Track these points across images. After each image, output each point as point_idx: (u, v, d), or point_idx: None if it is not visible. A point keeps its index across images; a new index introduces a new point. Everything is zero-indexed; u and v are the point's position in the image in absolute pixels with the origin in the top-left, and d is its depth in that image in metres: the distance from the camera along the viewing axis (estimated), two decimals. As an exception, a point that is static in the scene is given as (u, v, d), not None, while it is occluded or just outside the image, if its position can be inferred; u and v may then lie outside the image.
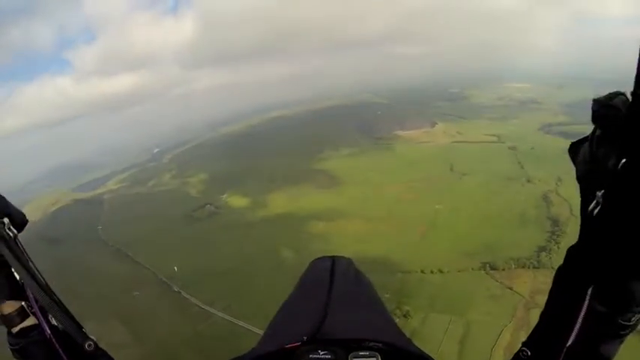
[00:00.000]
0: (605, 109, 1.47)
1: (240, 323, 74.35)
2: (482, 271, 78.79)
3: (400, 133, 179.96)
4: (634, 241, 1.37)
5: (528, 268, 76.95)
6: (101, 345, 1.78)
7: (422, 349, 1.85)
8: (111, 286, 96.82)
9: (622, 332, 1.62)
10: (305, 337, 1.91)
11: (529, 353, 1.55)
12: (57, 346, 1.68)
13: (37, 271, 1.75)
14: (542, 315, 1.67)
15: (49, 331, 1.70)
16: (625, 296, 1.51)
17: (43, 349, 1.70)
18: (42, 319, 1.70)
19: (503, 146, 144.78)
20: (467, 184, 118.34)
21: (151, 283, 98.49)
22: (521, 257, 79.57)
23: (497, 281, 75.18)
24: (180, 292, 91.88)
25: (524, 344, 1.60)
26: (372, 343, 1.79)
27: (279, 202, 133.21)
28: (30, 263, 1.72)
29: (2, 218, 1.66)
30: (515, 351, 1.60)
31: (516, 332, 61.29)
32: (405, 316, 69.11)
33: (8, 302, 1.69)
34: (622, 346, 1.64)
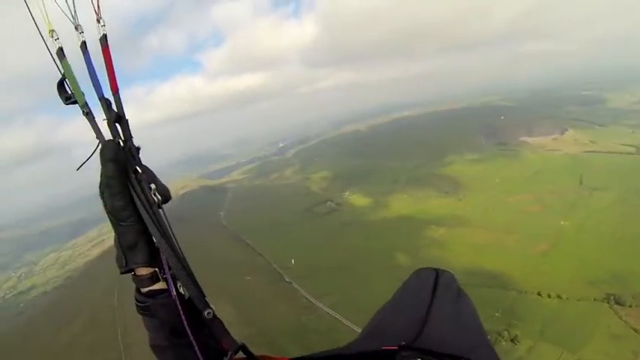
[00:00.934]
0: None
1: (344, 321, 76.36)
2: (606, 304, 70.56)
3: (527, 139, 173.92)
4: None
5: None
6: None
7: None
8: (225, 268, 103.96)
9: None
10: (403, 342, 2.03)
11: None
12: (180, 310, 1.89)
13: (175, 239, 1.98)
14: None
15: (175, 295, 1.92)
16: None
17: (166, 311, 1.95)
18: (172, 285, 1.93)
19: None
20: (598, 201, 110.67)
21: (264, 271, 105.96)
22: None
23: (621, 319, 66.46)
24: (291, 283, 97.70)
25: None
26: None
27: (401, 203, 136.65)
28: (170, 231, 1.97)
29: (150, 184, 1.96)
30: None
31: (635, 381, 56.05)
32: (512, 340, 66.35)
33: (144, 267, 1.96)
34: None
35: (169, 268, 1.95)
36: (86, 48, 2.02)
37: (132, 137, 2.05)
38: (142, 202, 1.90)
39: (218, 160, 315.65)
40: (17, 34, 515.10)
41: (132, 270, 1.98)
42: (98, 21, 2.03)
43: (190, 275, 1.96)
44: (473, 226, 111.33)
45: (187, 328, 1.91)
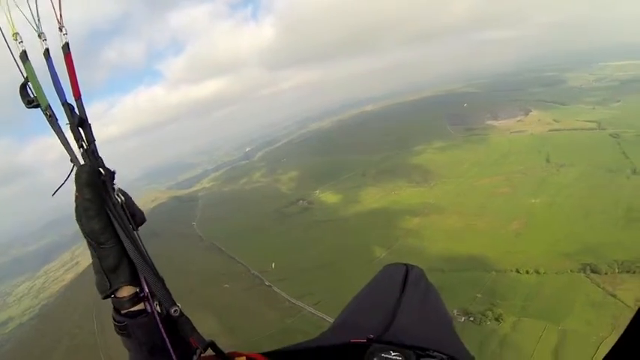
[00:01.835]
0: None
1: (329, 319, 73.93)
2: (582, 274, 72.65)
3: (493, 122, 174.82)
4: None
5: (634, 272, 68.91)
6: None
7: None
8: (204, 278, 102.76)
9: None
10: (372, 336, 2.11)
11: None
12: (162, 331, 1.90)
13: (149, 258, 1.97)
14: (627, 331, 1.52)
15: (157, 318, 1.92)
16: None
17: (144, 330, 1.93)
18: (152, 306, 1.93)
19: (604, 133, 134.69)
20: (565, 177, 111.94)
21: (243, 277, 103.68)
22: (626, 260, 71.50)
23: (598, 286, 68.70)
24: (271, 287, 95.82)
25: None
26: (436, 354, 1.95)
27: (372, 197, 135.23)
28: (145, 251, 1.96)
29: (128, 207, 1.99)
30: None
31: (617, 345, 57.35)
32: (496, 319, 67.09)
33: (126, 287, 1.93)
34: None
35: (148, 286, 1.96)
36: (49, 55, 2.06)
37: (94, 140, 2.06)
38: (120, 225, 1.90)
39: (185, 169, 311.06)
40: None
41: (115, 291, 1.96)
42: (60, 29, 2.08)
43: (158, 277, 1.96)
44: (446, 212, 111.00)
45: (167, 342, 1.93)
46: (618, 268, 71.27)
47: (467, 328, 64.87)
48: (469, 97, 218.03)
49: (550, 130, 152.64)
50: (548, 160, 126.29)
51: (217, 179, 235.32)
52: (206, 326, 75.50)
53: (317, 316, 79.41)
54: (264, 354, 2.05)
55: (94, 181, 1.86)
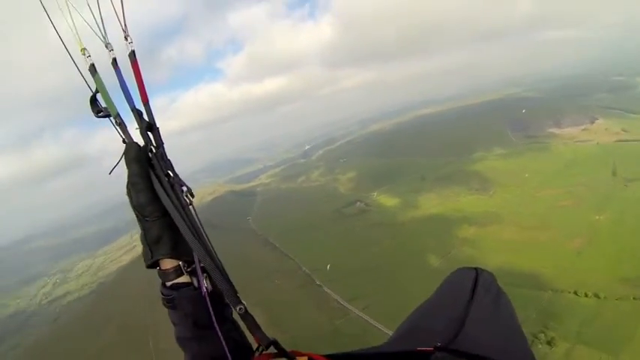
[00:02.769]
0: None
1: (377, 325, 75.61)
2: None
3: (556, 130, 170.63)
4: None
5: None
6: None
7: None
8: (255, 272, 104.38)
9: None
10: (439, 344, 2.06)
11: None
12: (208, 304, 2.02)
13: (207, 236, 2.13)
14: None
15: (204, 290, 2.05)
16: None
17: (189, 303, 2.07)
18: (201, 278, 2.06)
19: None
20: (633, 193, 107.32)
21: (294, 275, 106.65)
22: None
23: None
24: (321, 286, 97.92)
25: None
26: None
27: (430, 202, 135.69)
28: (201, 228, 2.12)
29: (182, 186, 2.14)
30: None
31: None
32: (548, 343, 64.17)
33: (168, 260, 2.08)
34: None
35: (199, 262, 2.06)
36: (117, 64, 2.23)
37: (163, 143, 2.23)
38: (168, 196, 2.03)
39: (245, 164, 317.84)
40: (42, 53, 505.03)
41: (157, 262, 2.11)
42: (126, 38, 2.23)
43: (222, 271, 2.06)
44: (505, 222, 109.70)
45: (214, 318, 2.01)
46: (686, 298, 66.53)
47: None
48: (531, 102, 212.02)
49: (618, 141, 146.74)
50: (614, 174, 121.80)
51: (276, 175, 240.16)
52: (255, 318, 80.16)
53: (365, 320, 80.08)
54: (327, 356, 2.14)
55: (141, 157, 2.07)
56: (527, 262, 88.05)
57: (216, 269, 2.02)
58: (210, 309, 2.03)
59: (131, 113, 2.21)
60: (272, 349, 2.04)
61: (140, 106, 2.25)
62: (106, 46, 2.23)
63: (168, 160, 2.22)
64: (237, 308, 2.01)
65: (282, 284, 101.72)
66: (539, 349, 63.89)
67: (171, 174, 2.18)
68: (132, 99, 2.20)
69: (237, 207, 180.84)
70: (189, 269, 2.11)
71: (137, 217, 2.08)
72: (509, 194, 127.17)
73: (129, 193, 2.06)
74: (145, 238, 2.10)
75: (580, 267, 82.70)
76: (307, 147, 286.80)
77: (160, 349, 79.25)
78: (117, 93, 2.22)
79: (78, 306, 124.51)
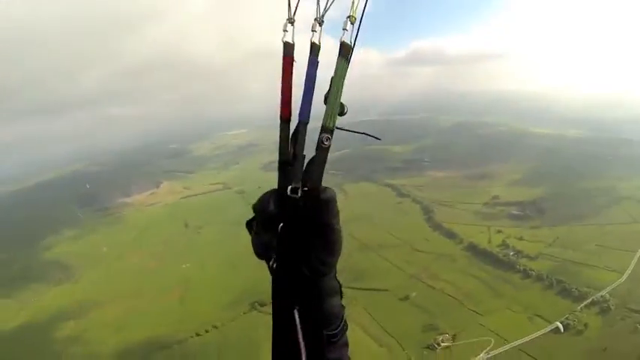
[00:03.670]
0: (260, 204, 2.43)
1: None
2: (255, 311, 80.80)
3: (126, 199, 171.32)
4: (302, 278, 2.34)
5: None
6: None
7: None
8: None
9: (333, 340, 2.52)
10: None
11: None
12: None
13: None
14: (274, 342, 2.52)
15: None
16: (323, 313, 2.49)
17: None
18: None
19: (231, 192, 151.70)
20: (205, 237, 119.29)
21: None
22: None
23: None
24: None
25: None
26: None
27: (10, 312, 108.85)
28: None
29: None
30: None
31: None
32: None
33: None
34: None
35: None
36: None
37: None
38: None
39: None
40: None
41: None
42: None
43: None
44: (102, 304, 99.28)
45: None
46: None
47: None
48: (96, 176, 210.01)
49: (183, 197, 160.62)
50: (187, 225, 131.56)
51: None
52: None
53: None
54: None
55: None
56: (140, 331, 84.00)
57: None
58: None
59: None
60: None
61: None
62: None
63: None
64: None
65: None
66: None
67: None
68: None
69: None
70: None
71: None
72: (94, 274, 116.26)
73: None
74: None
75: (189, 313, 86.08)
76: None
77: None
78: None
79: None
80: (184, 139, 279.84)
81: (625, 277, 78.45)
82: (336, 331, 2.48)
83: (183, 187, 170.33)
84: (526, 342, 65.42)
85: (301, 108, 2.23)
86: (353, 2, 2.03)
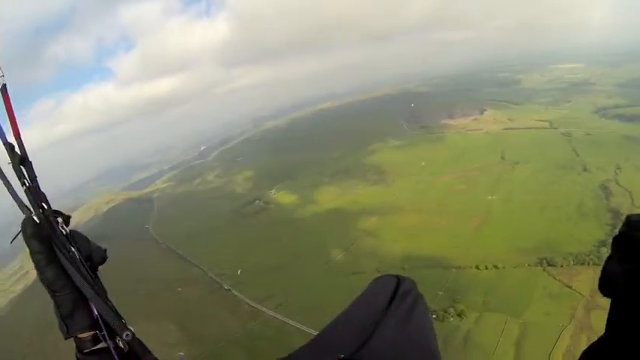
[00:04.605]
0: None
1: (291, 322, 73.80)
2: (540, 268, 74.78)
3: (449, 121, 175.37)
4: None
5: (588, 264, 71.23)
6: (151, 343, 1.98)
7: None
8: (162, 284, 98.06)
9: None
10: (342, 355, 1.95)
11: None
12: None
13: (104, 291, 2.03)
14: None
15: (116, 358, 1.91)
16: None
17: None
18: (111, 346, 1.92)
19: (556, 132, 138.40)
20: (519, 174, 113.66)
21: (201, 282, 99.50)
22: (580, 253, 74.35)
23: (555, 279, 70.92)
24: (230, 290, 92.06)
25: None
26: None
27: (329, 196, 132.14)
28: (104, 293, 2.00)
29: (56, 218, 2.01)
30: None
31: (576, 335, 57.94)
32: (459, 315, 67.51)
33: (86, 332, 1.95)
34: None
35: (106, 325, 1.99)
36: None
37: (36, 177, 2.11)
38: (78, 271, 1.98)
39: (139, 169, 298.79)
40: None
41: (75, 336, 2.02)
42: None
43: (111, 306, 2.05)
44: (404, 211, 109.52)
45: None
46: (573, 261, 73.49)
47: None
48: (425, 96, 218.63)
49: (505, 129, 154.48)
50: (503, 158, 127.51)
51: (172, 179, 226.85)
52: (168, 336, 72.27)
53: (278, 320, 76.90)
54: None
55: (39, 233, 1.95)
56: (429, 245, 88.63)
57: (99, 298, 2.01)
58: None
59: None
60: None
61: (12, 140, 2.11)
62: None
63: (42, 193, 2.12)
64: (124, 335, 1.98)
65: (189, 292, 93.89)
66: (450, 322, 66.30)
67: (45, 206, 2.08)
68: (3, 133, 2.08)
69: (135, 215, 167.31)
70: (103, 333, 2.02)
71: (47, 290, 2.00)
72: (406, 183, 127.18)
73: (35, 268, 1.98)
74: (59, 313, 2.00)
75: (478, 244, 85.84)
76: (203, 148, 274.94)
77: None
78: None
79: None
80: (514, 68, 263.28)
81: None
82: None
83: (507, 118, 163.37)
84: None
85: None
86: None
